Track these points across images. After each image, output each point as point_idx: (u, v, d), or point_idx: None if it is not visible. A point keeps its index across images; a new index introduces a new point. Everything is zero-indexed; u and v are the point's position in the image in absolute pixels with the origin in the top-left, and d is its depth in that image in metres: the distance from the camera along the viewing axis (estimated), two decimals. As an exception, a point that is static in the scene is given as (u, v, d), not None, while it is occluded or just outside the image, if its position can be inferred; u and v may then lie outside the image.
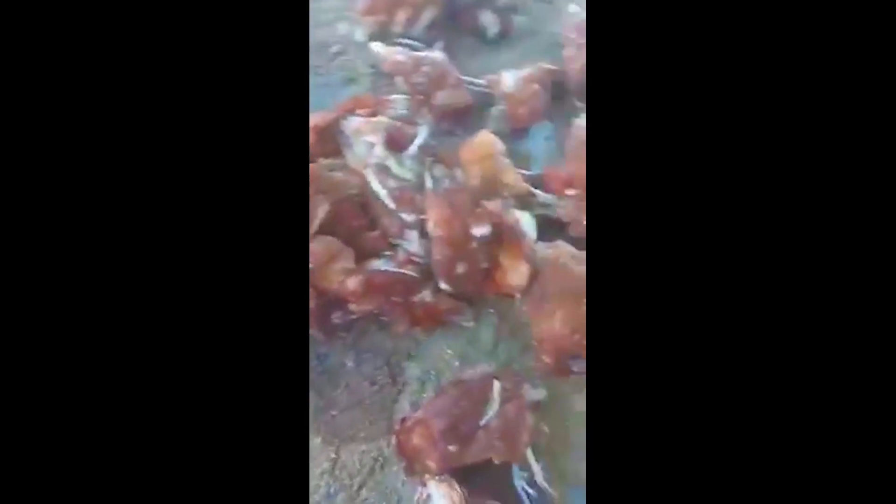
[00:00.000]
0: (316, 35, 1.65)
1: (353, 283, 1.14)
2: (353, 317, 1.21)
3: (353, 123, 1.32)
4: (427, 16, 1.70)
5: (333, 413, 1.14)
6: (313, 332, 1.17)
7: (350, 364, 1.20)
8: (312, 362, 1.18)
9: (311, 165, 1.23)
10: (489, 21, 1.82)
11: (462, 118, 1.59)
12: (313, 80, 1.56)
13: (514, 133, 1.63)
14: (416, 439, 1.04)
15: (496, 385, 1.12)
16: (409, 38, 1.68)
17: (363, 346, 1.22)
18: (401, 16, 1.66)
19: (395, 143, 1.32)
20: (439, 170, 1.30)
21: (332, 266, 1.13)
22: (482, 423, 1.07)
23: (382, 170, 1.26)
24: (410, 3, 1.67)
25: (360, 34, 1.65)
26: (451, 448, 1.04)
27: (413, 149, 1.31)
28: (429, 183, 1.28)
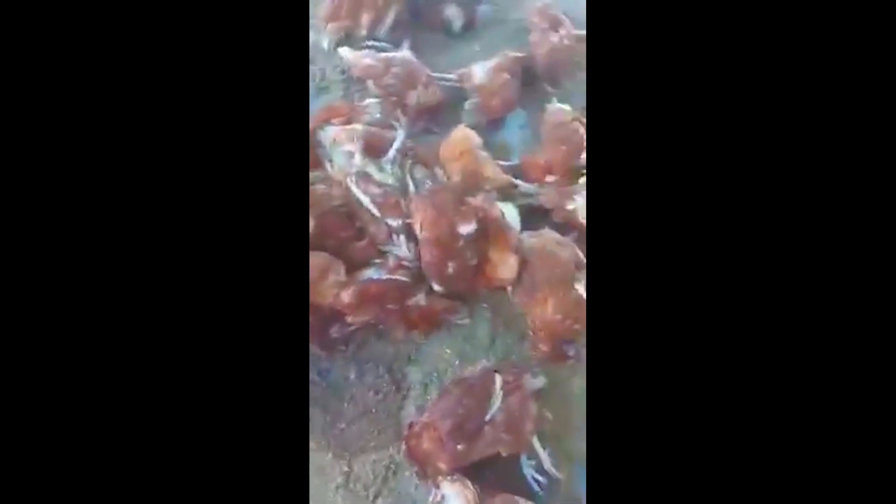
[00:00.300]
0: (282, 46, 1.55)
1: (347, 295, 1.09)
2: (351, 328, 1.16)
3: (330, 133, 1.26)
4: (391, 16, 1.62)
5: (341, 427, 1.11)
6: (313, 348, 1.12)
7: (352, 376, 1.16)
8: (315, 378, 1.14)
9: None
10: (453, 14, 1.75)
11: (437, 115, 1.54)
12: (284, 93, 1.48)
13: (490, 124, 1.58)
14: (426, 443, 1.01)
15: (497, 379, 1.09)
16: (375, 39, 1.59)
17: (363, 356, 1.19)
18: (364, 18, 1.58)
19: (374, 149, 1.26)
20: (420, 171, 1.24)
21: (324, 281, 1.09)
22: (487, 418, 1.04)
23: (364, 177, 1.21)
24: (372, 4, 1.58)
25: (326, 41, 1.56)
26: (460, 447, 1.01)
27: (392, 153, 1.25)
28: (411, 186, 1.23)
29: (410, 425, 1.05)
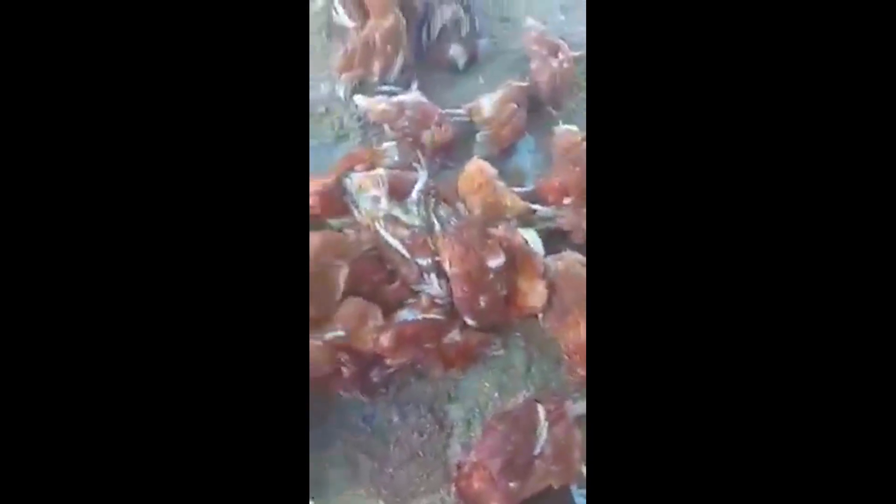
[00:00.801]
0: (301, 99, 1.54)
1: (385, 339, 1.04)
2: (390, 371, 1.11)
3: (355, 180, 1.23)
4: (399, 61, 1.60)
5: (389, 472, 1.05)
6: (356, 395, 1.07)
7: (396, 419, 1.11)
8: (360, 424, 1.08)
9: (323, 232, 1.13)
10: (458, 52, 1.73)
11: (451, 150, 1.51)
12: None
13: (501, 153, 1.55)
14: (476, 483, 0.95)
15: (540, 410, 1.03)
16: (386, 84, 1.57)
17: (404, 398, 1.14)
18: (376, 66, 1.57)
19: (397, 192, 1.22)
20: (444, 209, 1.19)
21: (364, 327, 1.04)
22: (536, 452, 0.97)
23: (391, 220, 1.17)
24: (382, 52, 1.56)
25: (342, 91, 1.54)
26: (512, 485, 0.95)
27: (415, 194, 1.21)
28: (436, 224, 1.18)
29: (459, 466, 0.99)
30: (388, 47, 1.58)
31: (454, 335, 1.10)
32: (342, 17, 1.72)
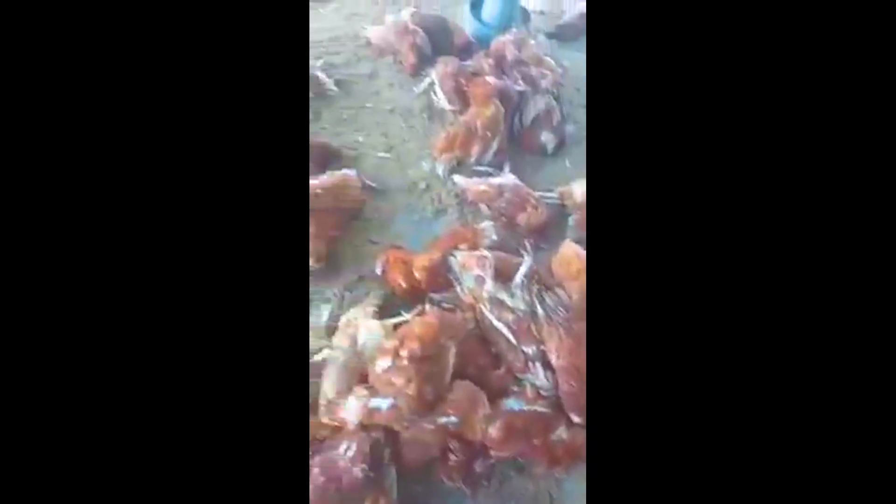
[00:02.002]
0: (406, 175, 1.68)
1: (494, 429, 1.02)
2: (491, 462, 1.07)
3: (460, 258, 1.27)
4: (494, 145, 1.71)
5: (495, 581, 0.97)
6: (458, 485, 1.03)
7: (499, 518, 1.04)
8: (462, 519, 1.03)
9: (432, 310, 1.15)
10: (548, 138, 1.83)
11: (544, 232, 1.55)
12: (409, 217, 1.56)
13: (592, 238, 1.56)
14: None
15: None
16: (480, 165, 1.68)
17: (505, 493, 1.09)
18: (475, 149, 1.68)
19: (501, 274, 1.25)
20: (549, 296, 1.20)
21: (474, 415, 1.02)
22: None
23: (497, 303, 1.18)
24: (482, 136, 1.68)
25: (440, 169, 1.66)
26: None
27: (519, 278, 1.23)
28: (539, 310, 1.18)
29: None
30: (487, 133, 1.70)
31: (561, 432, 1.07)
32: (442, 101, 1.88)
